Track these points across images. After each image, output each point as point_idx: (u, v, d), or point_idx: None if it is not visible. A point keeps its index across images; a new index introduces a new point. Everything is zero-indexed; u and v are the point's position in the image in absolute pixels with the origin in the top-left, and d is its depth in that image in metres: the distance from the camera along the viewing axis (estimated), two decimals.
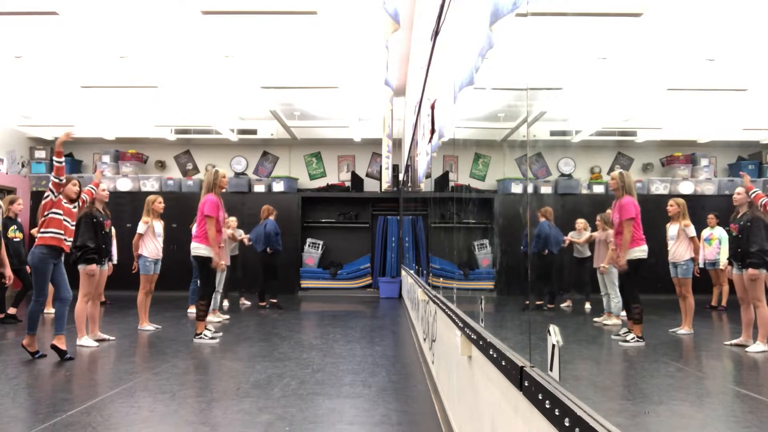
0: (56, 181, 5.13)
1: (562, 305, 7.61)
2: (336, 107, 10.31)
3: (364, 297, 11.60)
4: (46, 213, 5.13)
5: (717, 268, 7.20)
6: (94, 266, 5.65)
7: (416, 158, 7.54)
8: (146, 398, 3.79)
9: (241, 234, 8.85)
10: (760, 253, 4.89)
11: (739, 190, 5.18)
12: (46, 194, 5.19)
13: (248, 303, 9.58)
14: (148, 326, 6.72)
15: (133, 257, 6.72)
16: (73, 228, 5.32)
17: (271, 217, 9.27)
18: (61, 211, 5.16)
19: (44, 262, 5.00)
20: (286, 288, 11.85)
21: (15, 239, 7.29)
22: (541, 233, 6.73)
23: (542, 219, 7.04)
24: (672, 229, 5.94)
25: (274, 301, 9.36)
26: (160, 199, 6.81)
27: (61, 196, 5.20)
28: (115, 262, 7.65)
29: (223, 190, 6.29)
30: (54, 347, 4.98)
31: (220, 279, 7.83)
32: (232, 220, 9.28)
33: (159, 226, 6.74)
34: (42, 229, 5.08)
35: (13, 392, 3.93)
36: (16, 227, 7.39)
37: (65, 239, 5.17)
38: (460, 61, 2.86)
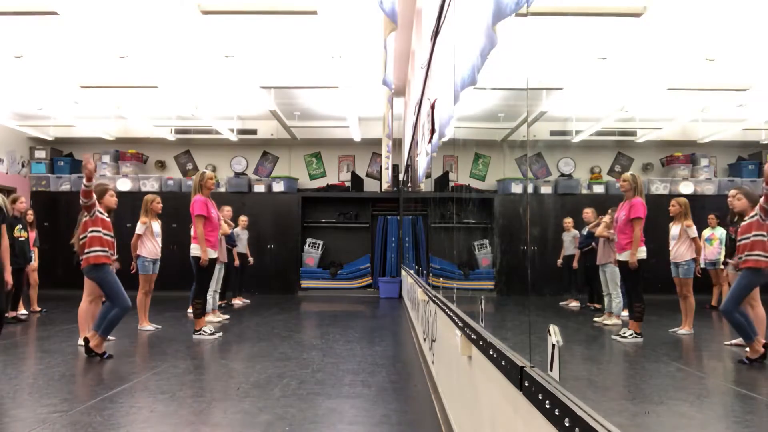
0: (83, 203, 5.08)
1: (565, 303, 7.64)
2: (336, 107, 10.31)
3: (364, 297, 11.60)
4: (83, 235, 5.13)
5: (717, 268, 7.20)
6: None
7: (416, 158, 7.54)
8: (146, 398, 3.79)
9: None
10: None
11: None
12: (84, 214, 5.18)
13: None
14: (148, 326, 6.73)
15: (132, 257, 6.72)
16: (113, 239, 5.32)
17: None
18: (99, 228, 5.15)
19: (101, 273, 5.10)
20: (286, 288, 11.86)
21: (20, 238, 7.29)
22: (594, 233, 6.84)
23: (594, 220, 7.17)
24: (674, 229, 5.96)
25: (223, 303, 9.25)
26: (158, 199, 6.83)
27: (98, 214, 5.17)
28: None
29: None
30: (86, 340, 5.14)
31: (218, 278, 7.83)
32: (243, 219, 9.48)
33: (157, 225, 6.76)
34: (86, 249, 5.10)
35: (13, 392, 3.93)
36: (21, 226, 7.38)
37: (110, 254, 5.22)
38: (461, 61, 2.86)
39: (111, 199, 5.45)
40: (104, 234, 5.17)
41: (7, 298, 7.50)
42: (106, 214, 5.29)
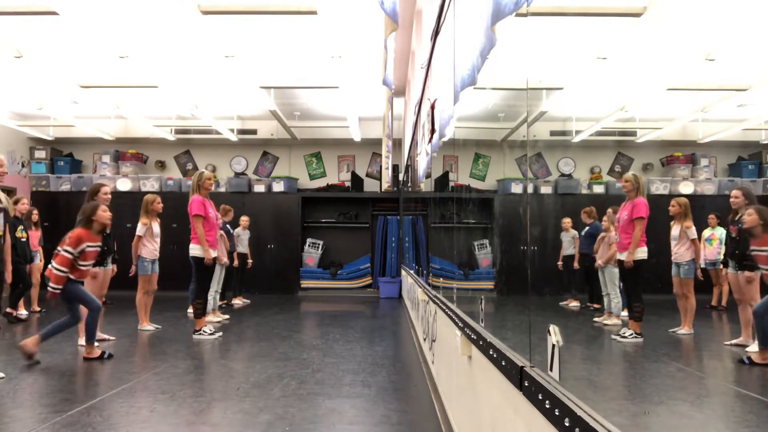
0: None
1: (565, 303, 7.64)
2: (336, 107, 10.31)
3: (364, 297, 11.60)
4: (60, 249, 4.92)
5: (717, 268, 7.20)
6: (98, 269, 5.71)
7: (416, 158, 7.54)
8: (146, 398, 3.79)
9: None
10: None
11: (735, 192, 5.19)
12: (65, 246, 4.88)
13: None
14: (148, 326, 6.73)
15: (132, 259, 6.66)
16: (86, 267, 5.02)
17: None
18: (79, 261, 4.93)
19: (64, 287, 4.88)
20: (286, 288, 11.86)
21: (21, 239, 7.34)
22: (596, 233, 6.84)
23: (590, 220, 7.16)
24: (675, 229, 5.98)
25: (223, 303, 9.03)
26: (159, 199, 6.80)
27: (87, 249, 4.93)
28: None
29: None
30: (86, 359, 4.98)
31: (219, 278, 7.83)
32: (244, 219, 9.50)
33: (156, 226, 6.74)
34: (56, 265, 4.85)
35: (13, 392, 3.93)
36: (22, 227, 7.43)
37: (68, 276, 4.94)
38: (461, 61, 2.86)
39: (104, 215, 5.06)
40: (81, 264, 4.94)
41: (17, 297, 7.55)
42: (93, 244, 5.00)
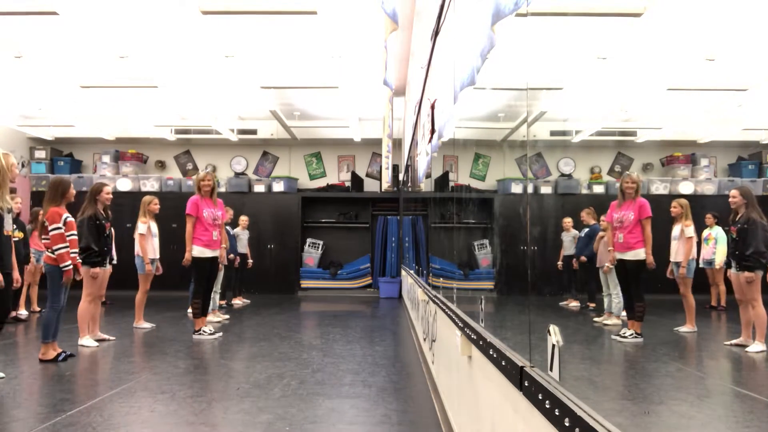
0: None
1: (566, 303, 7.65)
2: (336, 107, 10.31)
3: (364, 297, 11.60)
4: (44, 236, 5.03)
5: (713, 268, 7.19)
6: (98, 269, 5.70)
7: (416, 158, 7.54)
8: (146, 398, 3.79)
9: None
10: (755, 255, 4.92)
11: (733, 192, 5.20)
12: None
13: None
14: (145, 324, 6.77)
15: (144, 257, 6.72)
16: (72, 238, 5.12)
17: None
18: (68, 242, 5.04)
19: (57, 269, 4.96)
20: (286, 288, 11.86)
21: (15, 239, 7.34)
22: (593, 236, 6.85)
23: (592, 222, 7.17)
24: (675, 229, 6.02)
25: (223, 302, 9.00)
26: (156, 200, 6.95)
27: (69, 220, 5.09)
28: (114, 262, 7.66)
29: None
30: (42, 361, 4.82)
31: (219, 278, 7.82)
32: (243, 219, 9.49)
33: (154, 226, 6.88)
34: (54, 247, 4.95)
35: (13, 392, 3.93)
36: (17, 227, 7.43)
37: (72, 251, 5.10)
38: (461, 61, 2.86)
39: (73, 192, 5.36)
40: (71, 235, 5.10)
41: (14, 297, 7.55)
42: (72, 216, 5.17)
